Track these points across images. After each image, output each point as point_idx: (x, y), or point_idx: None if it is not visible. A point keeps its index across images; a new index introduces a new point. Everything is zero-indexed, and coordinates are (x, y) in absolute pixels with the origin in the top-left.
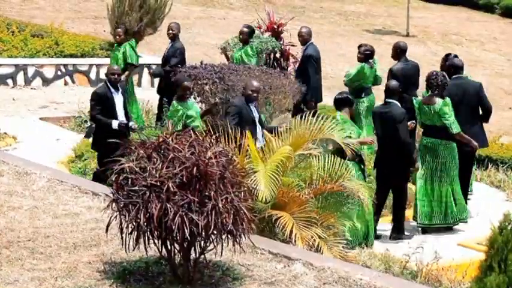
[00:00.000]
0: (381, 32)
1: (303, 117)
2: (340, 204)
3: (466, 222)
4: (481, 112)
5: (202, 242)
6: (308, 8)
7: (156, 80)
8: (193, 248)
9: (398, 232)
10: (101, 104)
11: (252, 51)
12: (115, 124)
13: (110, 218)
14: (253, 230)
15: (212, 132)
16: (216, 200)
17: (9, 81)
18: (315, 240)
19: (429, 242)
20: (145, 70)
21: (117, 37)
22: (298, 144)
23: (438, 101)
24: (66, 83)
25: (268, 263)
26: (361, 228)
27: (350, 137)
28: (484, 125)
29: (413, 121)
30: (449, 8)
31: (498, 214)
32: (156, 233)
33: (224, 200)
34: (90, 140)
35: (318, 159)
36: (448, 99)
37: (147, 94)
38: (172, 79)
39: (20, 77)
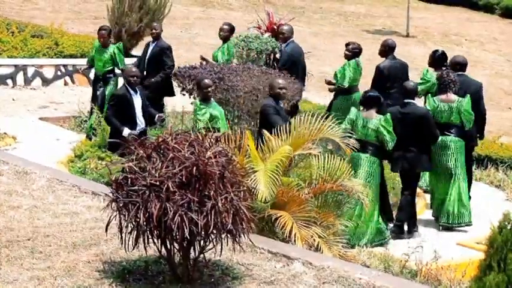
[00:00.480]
0: (381, 32)
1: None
2: (340, 203)
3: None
4: None
5: (202, 242)
6: (308, 9)
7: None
8: (192, 248)
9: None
10: (120, 105)
11: (228, 49)
12: (126, 132)
13: (110, 217)
14: (253, 230)
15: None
16: (215, 200)
17: (9, 81)
18: (314, 239)
19: (428, 241)
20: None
21: (101, 39)
22: (298, 144)
23: (458, 98)
24: (66, 83)
25: (268, 262)
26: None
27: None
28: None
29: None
30: (449, 8)
31: (498, 214)
32: (155, 232)
33: (224, 200)
34: (91, 140)
35: (318, 158)
36: (468, 98)
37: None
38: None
39: (20, 77)
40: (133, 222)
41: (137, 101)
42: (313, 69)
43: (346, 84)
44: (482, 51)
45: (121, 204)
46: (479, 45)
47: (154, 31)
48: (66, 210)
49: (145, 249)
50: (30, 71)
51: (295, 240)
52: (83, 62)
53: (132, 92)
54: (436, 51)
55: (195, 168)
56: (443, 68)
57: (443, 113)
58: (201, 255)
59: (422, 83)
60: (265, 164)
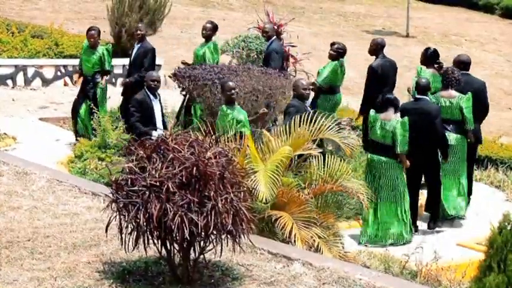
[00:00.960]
0: (381, 32)
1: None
2: (340, 204)
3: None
4: None
5: (202, 242)
6: (308, 9)
7: None
8: (192, 248)
9: (435, 221)
10: (141, 110)
11: (215, 49)
12: (156, 134)
13: (110, 218)
14: (253, 230)
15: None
16: (215, 200)
17: (9, 81)
18: (314, 240)
19: (428, 242)
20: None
21: (91, 39)
22: (298, 144)
23: (459, 94)
24: (65, 84)
25: (268, 263)
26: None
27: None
28: (484, 125)
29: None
30: (449, 8)
31: (498, 214)
32: (155, 233)
33: (224, 200)
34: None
35: (318, 159)
36: (470, 95)
37: None
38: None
39: (20, 78)
40: (134, 223)
41: (156, 106)
42: (313, 70)
43: (321, 83)
44: (482, 52)
45: (121, 205)
46: (479, 46)
47: (139, 32)
48: (66, 210)
49: (145, 250)
50: (30, 72)
51: (295, 241)
52: None
53: (152, 97)
54: (428, 48)
55: (195, 168)
56: (435, 66)
57: (444, 109)
58: (201, 256)
59: None
60: (265, 165)
